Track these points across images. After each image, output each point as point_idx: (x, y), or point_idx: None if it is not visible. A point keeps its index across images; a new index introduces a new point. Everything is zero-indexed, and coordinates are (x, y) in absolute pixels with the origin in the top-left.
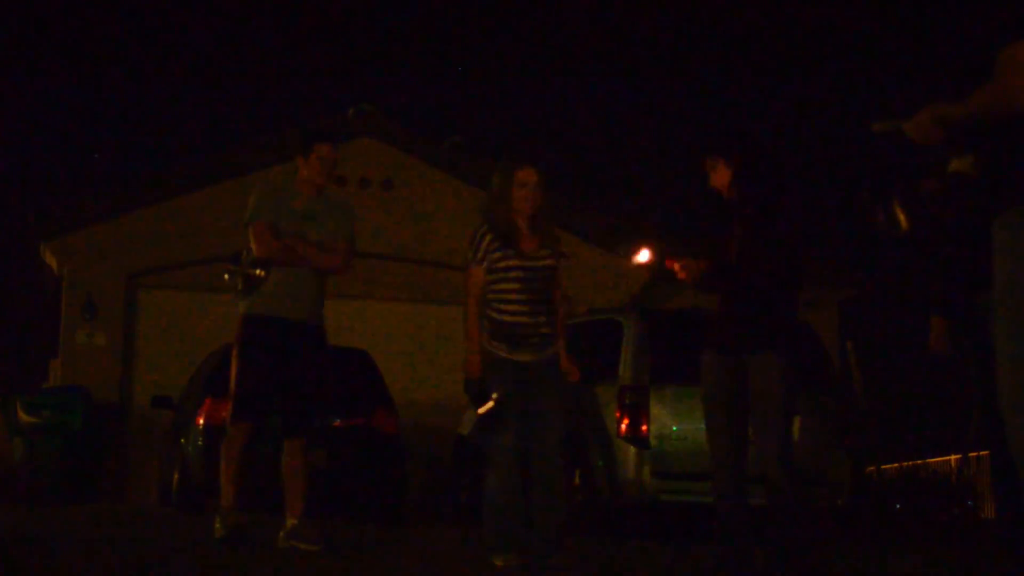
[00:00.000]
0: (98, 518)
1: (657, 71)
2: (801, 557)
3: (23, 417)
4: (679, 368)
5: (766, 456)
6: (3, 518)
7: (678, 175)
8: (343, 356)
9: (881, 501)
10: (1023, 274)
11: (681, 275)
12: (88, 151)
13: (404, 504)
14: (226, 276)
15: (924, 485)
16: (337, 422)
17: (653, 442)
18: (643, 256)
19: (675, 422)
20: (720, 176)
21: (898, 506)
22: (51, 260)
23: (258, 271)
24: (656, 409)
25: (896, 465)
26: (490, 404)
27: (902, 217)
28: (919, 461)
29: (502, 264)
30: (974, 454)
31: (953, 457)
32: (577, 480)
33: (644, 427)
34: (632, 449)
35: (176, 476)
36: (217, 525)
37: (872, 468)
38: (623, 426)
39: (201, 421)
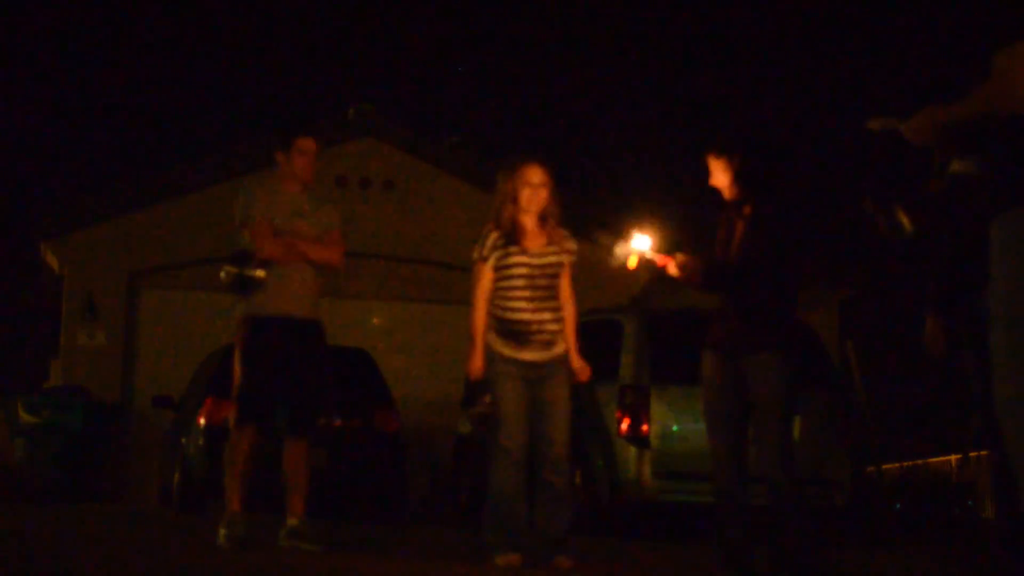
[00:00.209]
0: (98, 518)
1: (657, 69)
2: (801, 557)
3: (23, 417)
4: (679, 368)
5: (766, 456)
6: (3, 518)
7: (677, 175)
8: (343, 356)
9: (881, 501)
10: (1020, 274)
11: (672, 272)
12: (88, 151)
13: (404, 504)
14: (223, 275)
15: (924, 485)
16: (337, 422)
17: (653, 442)
18: (642, 243)
19: (675, 422)
20: (721, 175)
21: (898, 506)
22: (51, 260)
23: (260, 272)
24: (656, 409)
25: (896, 465)
26: (479, 408)
27: (905, 221)
28: (919, 461)
29: (507, 261)
30: (974, 454)
31: (953, 457)
32: (577, 480)
33: (644, 427)
34: (632, 449)
35: (177, 476)
36: (222, 532)
37: (872, 468)
38: (623, 426)
39: (202, 421)
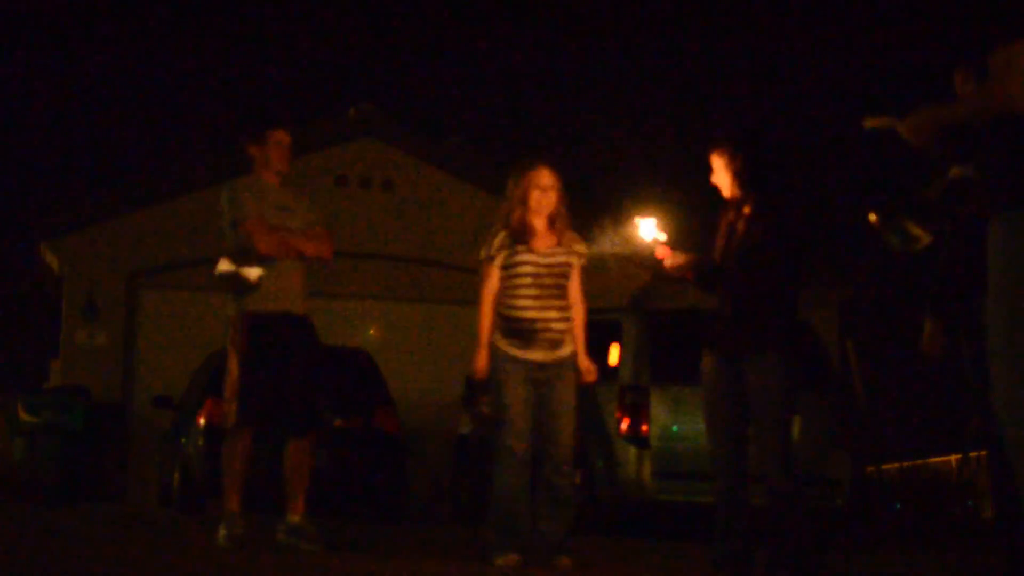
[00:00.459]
0: (98, 518)
1: (657, 68)
2: (801, 558)
3: (23, 417)
4: (679, 368)
5: (766, 456)
6: (3, 518)
7: (675, 177)
8: (343, 356)
9: (881, 501)
10: (1016, 275)
11: (666, 264)
12: (88, 151)
13: (404, 504)
14: (221, 267)
15: (924, 485)
16: (338, 422)
17: (653, 442)
18: (648, 229)
19: (675, 422)
20: (723, 174)
21: (898, 506)
22: (51, 260)
23: (259, 270)
24: (656, 409)
25: (896, 465)
26: (479, 408)
27: (917, 232)
28: (919, 461)
29: (514, 260)
30: (974, 454)
31: (953, 457)
32: (577, 480)
33: (644, 427)
34: (632, 449)
35: (177, 476)
36: (221, 531)
37: (872, 468)
38: (623, 426)
39: (202, 421)
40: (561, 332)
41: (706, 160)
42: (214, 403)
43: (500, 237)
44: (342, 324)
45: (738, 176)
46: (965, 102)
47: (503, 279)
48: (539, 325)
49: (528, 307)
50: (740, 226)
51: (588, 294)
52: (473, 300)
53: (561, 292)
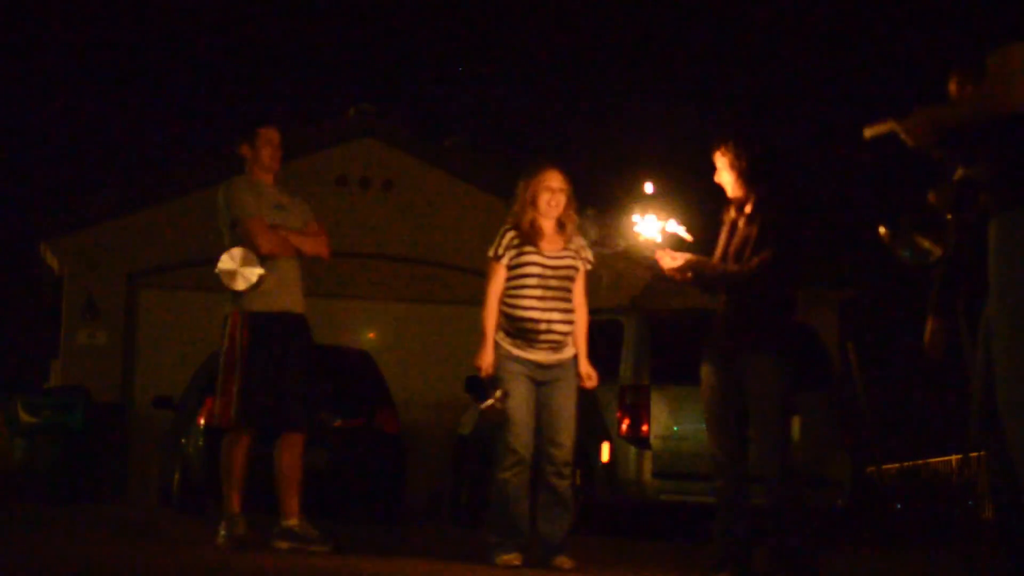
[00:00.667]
0: (98, 518)
1: (658, 67)
2: (800, 557)
3: (23, 417)
4: (679, 368)
5: (766, 456)
6: (3, 518)
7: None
8: (343, 356)
9: (881, 501)
10: (1017, 276)
11: (664, 266)
12: (89, 151)
13: (404, 504)
14: (225, 261)
15: (924, 485)
16: (338, 422)
17: (653, 442)
18: (653, 227)
19: (675, 422)
20: (727, 172)
21: (898, 506)
22: (51, 260)
23: (260, 269)
24: (656, 409)
25: (896, 465)
26: (490, 401)
27: (928, 245)
28: (919, 461)
29: (520, 260)
30: (974, 454)
31: (953, 457)
32: (577, 480)
33: (644, 427)
34: (632, 449)
35: (177, 476)
36: (221, 532)
37: (872, 468)
38: (623, 426)
39: (202, 421)
40: (564, 334)
41: (709, 158)
42: (215, 403)
43: (508, 237)
44: (342, 324)
45: (741, 175)
46: (964, 103)
47: (509, 279)
48: (542, 326)
49: (532, 307)
50: (742, 225)
51: (588, 294)
52: (474, 300)
53: (566, 295)
